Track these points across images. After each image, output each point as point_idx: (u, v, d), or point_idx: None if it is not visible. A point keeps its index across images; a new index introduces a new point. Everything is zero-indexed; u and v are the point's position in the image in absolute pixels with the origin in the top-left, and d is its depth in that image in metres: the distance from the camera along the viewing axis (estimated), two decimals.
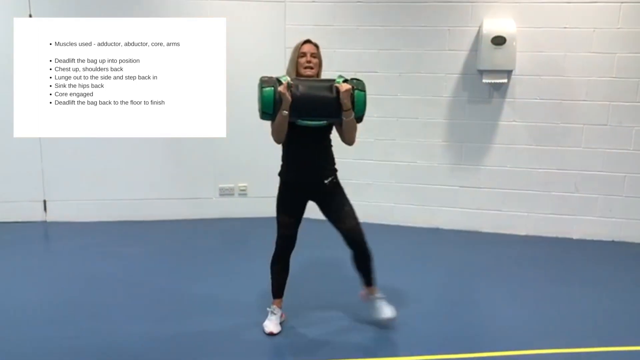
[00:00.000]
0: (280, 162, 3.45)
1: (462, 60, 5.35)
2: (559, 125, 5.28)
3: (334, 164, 3.46)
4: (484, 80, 5.24)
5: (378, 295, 3.54)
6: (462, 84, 5.39)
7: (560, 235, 5.42)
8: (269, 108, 3.15)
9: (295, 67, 3.32)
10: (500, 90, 5.32)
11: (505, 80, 5.22)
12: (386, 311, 3.48)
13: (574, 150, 5.28)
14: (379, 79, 5.51)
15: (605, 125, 5.20)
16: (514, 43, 5.06)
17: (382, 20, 5.43)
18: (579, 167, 5.30)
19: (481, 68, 5.20)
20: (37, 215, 5.68)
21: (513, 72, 5.22)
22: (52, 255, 5.03)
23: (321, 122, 3.25)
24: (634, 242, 5.28)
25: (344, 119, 3.20)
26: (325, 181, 3.37)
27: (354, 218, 3.42)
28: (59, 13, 5.27)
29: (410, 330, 3.51)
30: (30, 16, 5.25)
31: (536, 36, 5.18)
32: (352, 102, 3.19)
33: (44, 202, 5.67)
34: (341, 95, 3.14)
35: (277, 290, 3.50)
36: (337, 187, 3.44)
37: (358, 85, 3.24)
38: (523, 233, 5.49)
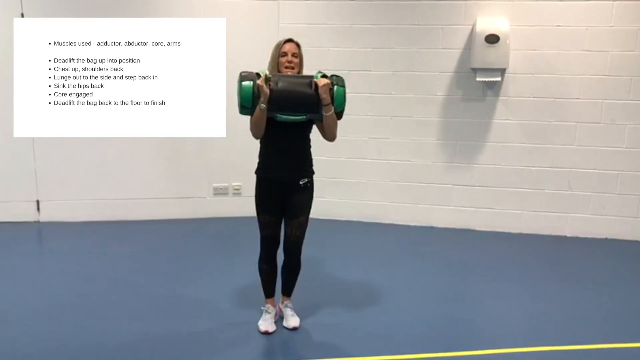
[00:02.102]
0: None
1: (456, 59, 5.36)
2: (552, 123, 5.29)
3: (311, 165, 3.42)
4: (477, 79, 5.25)
5: (289, 304, 3.56)
6: (455, 82, 5.40)
7: (553, 233, 5.43)
8: (247, 102, 3.15)
9: (277, 66, 3.31)
10: (493, 88, 5.33)
11: (498, 79, 5.23)
12: (293, 321, 3.49)
13: (567, 148, 5.30)
14: (372, 77, 5.52)
15: (599, 123, 5.22)
16: (507, 41, 5.07)
17: (375, 19, 5.43)
18: (572, 165, 5.32)
19: (475, 66, 5.21)
20: (30, 215, 5.65)
21: (506, 71, 5.23)
22: (45, 255, 5.01)
23: (300, 117, 3.22)
24: (627, 240, 5.31)
25: (324, 113, 3.19)
26: (301, 182, 3.34)
27: (302, 231, 3.38)
28: (52, 12, 5.24)
29: (404, 328, 3.51)
30: (22, 16, 5.22)
31: (529, 34, 5.19)
32: (332, 97, 3.19)
33: (37, 202, 5.64)
34: (320, 90, 3.13)
35: (268, 290, 3.51)
36: (307, 191, 3.39)
37: (337, 81, 3.24)
38: (516, 231, 5.50)
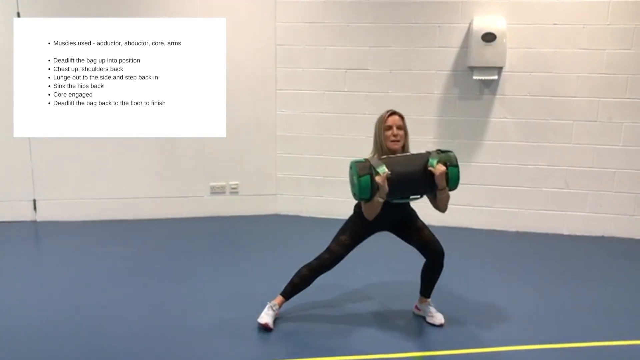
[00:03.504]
0: None
1: (453, 57, 5.36)
2: (549, 121, 5.30)
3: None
4: (474, 77, 5.25)
5: (431, 303, 3.60)
6: (452, 80, 5.40)
7: (550, 231, 5.44)
8: (366, 195, 3.15)
9: (382, 139, 3.30)
10: (490, 86, 5.34)
11: (495, 77, 5.24)
12: (439, 317, 3.53)
13: (564, 147, 5.31)
14: (369, 76, 5.51)
15: (595, 121, 5.23)
16: (504, 40, 5.08)
17: (372, 18, 5.43)
18: (569, 163, 5.33)
19: (471, 65, 5.21)
20: (26, 214, 5.64)
21: (503, 69, 5.24)
22: (41, 254, 4.99)
23: (415, 198, 3.30)
24: (624, 237, 5.32)
25: (438, 195, 3.24)
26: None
27: (429, 229, 3.50)
28: (47, 12, 5.21)
29: (403, 328, 3.52)
30: (18, 15, 5.20)
31: (526, 33, 5.19)
32: (447, 179, 3.20)
33: (34, 201, 5.63)
34: (436, 179, 3.16)
35: (290, 293, 3.49)
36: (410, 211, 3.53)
37: (451, 161, 3.23)
38: (513, 229, 5.51)
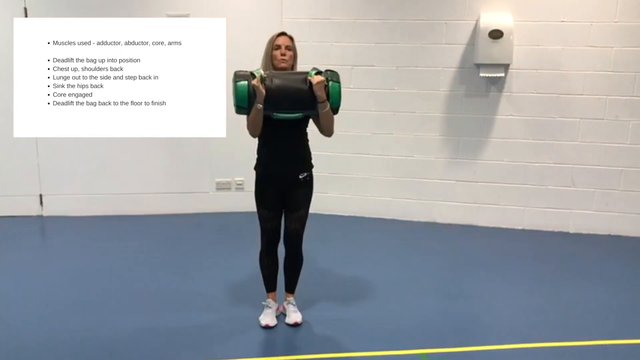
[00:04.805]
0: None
1: (459, 54, 5.34)
2: (555, 119, 5.27)
3: (310, 159, 3.44)
4: (481, 74, 5.23)
5: (292, 301, 3.56)
6: (459, 77, 5.38)
7: (556, 229, 5.42)
8: (243, 102, 3.14)
9: (270, 60, 3.31)
10: (497, 84, 5.32)
11: (502, 74, 5.21)
12: (294, 316, 3.48)
13: (571, 144, 5.28)
14: (376, 72, 5.50)
15: (602, 119, 5.20)
16: (511, 37, 5.05)
17: (379, 14, 5.41)
18: (576, 161, 5.30)
19: (478, 62, 5.19)
20: (33, 209, 5.66)
21: (510, 66, 5.21)
22: (47, 249, 5.02)
23: (296, 115, 3.24)
24: (630, 236, 5.29)
25: (320, 110, 3.19)
26: (300, 177, 3.36)
27: (302, 224, 3.40)
28: (54, 10, 5.24)
29: (407, 324, 3.52)
30: (25, 11, 5.21)
31: (533, 30, 5.17)
32: (327, 94, 3.18)
33: (40, 196, 5.65)
34: (314, 87, 3.12)
35: (270, 284, 3.52)
36: (307, 185, 3.41)
37: (332, 77, 3.22)
38: (519, 227, 5.49)
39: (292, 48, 3.33)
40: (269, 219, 3.38)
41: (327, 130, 3.30)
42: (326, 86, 3.17)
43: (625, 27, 5.03)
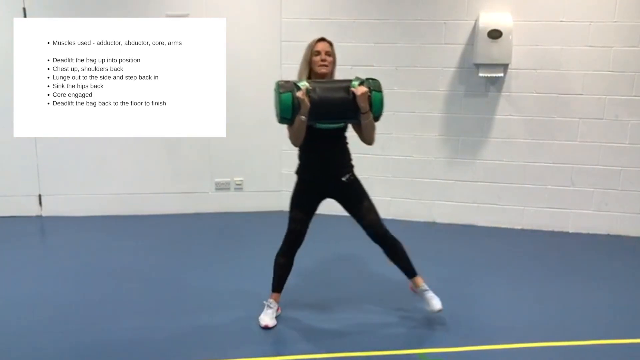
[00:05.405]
0: (296, 161, 3.47)
1: (459, 54, 5.35)
2: (555, 119, 5.28)
3: (350, 160, 3.47)
4: (480, 74, 5.23)
5: (423, 287, 3.51)
6: (458, 77, 5.39)
7: (556, 229, 5.43)
8: (287, 113, 3.14)
9: (309, 65, 3.31)
10: (496, 84, 5.32)
11: (501, 74, 5.22)
12: (434, 303, 3.44)
13: (570, 144, 5.29)
14: (375, 72, 5.43)
15: (602, 119, 5.20)
16: (510, 37, 5.06)
17: (378, 14, 5.42)
18: (575, 161, 5.30)
19: (477, 62, 5.19)
20: (32, 209, 5.66)
21: (509, 66, 5.22)
22: (47, 249, 5.01)
23: (339, 124, 3.27)
24: (629, 236, 5.30)
25: (362, 120, 3.21)
26: (343, 178, 3.40)
27: (375, 212, 3.43)
28: (53, 10, 5.23)
29: (408, 324, 3.51)
30: (24, 12, 5.20)
31: (532, 30, 5.17)
32: (370, 104, 3.19)
33: (39, 196, 5.65)
34: (358, 99, 3.14)
35: (278, 284, 3.50)
36: (354, 183, 3.45)
37: (374, 86, 3.23)
38: (519, 227, 5.50)
39: (331, 54, 3.35)
40: (300, 221, 3.40)
41: (368, 138, 3.33)
42: (369, 97, 3.18)
43: (624, 27, 5.03)
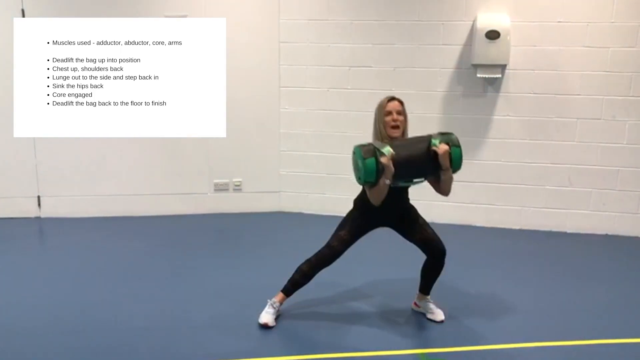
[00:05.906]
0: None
1: (456, 55, 5.36)
2: (552, 119, 5.29)
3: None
4: (478, 75, 5.24)
5: (430, 299, 3.62)
6: (456, 78, 5.40)
7: (554, 229, 5.44)
8: (372, 177, 3.15)
9: (382, 125, 3.33)
10: (494, 84, 5.33)
11: (499, 75, 5.23)
12: (438, 313, 3.55)
13: (568, 144, 5.30)
14: (373, 73, 5.51)
15: (599, 119, 5.22)
16: (508, 37, 5.07)
17: (376, 15, 5.43)
18: (573, 161, 5.32)
19: (475, 62, 5.20)
20: (31, 211, 5.66)
21: (507, 67, 5.23)
22: (45, 250, 5.01)
23: (419, 181, 3.31)
24: (627, 236, 5.31)
25: (442, 176, 3.26)
26: (403, 214, 3.47)
27: (429, 226, 3.49)
28: (52, 11, 5.21)
29: (403, 325, 3.52)
30: (22, 12, 5.20)
31: (530, 30, 5.18)
32: (450, 159, 3.22)
33: (38, 197, 5.65)
34: (440, 158, 3.18)
35: (290, 290, 3.49)
36: (411, 207, 3.54)
37: (453, 142, 3.26)
38: (517, 227, 5.51)
39: (402, 112, 3.36)
40: (344, 242, 3.42)
41: (446, 191, 3.37)
42: (450, 154, 3.21)
43: (621, 28, 5.05)
